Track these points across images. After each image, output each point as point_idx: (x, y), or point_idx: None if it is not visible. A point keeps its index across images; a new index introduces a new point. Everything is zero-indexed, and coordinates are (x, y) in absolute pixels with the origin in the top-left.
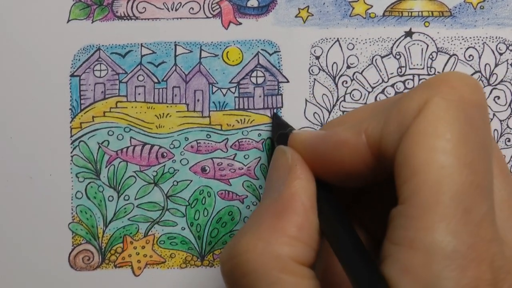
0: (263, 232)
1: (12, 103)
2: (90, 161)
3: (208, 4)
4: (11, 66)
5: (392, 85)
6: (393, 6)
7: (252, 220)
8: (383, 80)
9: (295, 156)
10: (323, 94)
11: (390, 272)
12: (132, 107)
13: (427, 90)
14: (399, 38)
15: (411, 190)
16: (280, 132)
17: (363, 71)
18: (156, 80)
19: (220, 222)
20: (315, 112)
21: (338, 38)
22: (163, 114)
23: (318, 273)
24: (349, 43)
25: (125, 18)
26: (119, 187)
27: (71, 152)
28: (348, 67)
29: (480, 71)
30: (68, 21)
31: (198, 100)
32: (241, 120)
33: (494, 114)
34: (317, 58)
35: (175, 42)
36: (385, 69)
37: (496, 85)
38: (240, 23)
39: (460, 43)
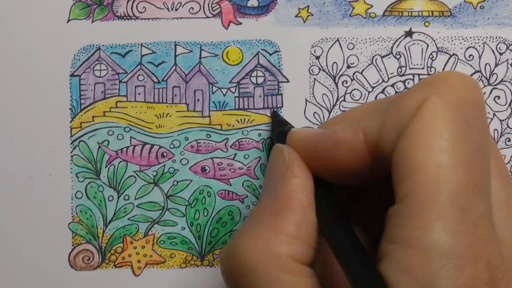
0: (261, 231)
1: (12, 103)
2: (90, 161)
3: (208, 4)
4: (11, 66)
5: (392, 85)
6: (393, 6)
7: (251, 219)
8: (383, 80)
9: (292, 154)
10: (323, 94)
11: (387, 271)
12: (132, 107)
13: (425, 89)
14: (399, 38)
15: (408, 189)
16: (279, 129)
17: (363, 71)
18: (156, 80)
19: (220, 222)
20: (315, 112)
21: (338, 38)
22: (163, 114)
23: (317, 271)
24: (349, 43)
25: (125, 18)
26: (119, 187)
27: (71, 152)
28: (348, 67)
29: (480, 71)
30: (68, 21)
31: (198, 100)
32: (241, 120)
33: (494, 114)
34: (317, 58)
35: (175, 42)
36: (385, 69)
37: (496, 85)
38: (240, 23)
39: (460, 43)
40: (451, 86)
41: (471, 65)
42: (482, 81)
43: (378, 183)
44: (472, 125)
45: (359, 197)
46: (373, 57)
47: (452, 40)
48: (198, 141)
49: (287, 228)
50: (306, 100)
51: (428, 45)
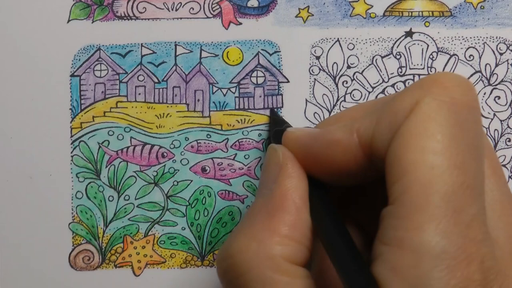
0: (255, 232)
1: (12, 103)
2: (90, 161)
3: (208, 4)
4: (11, 66)
5: (392, 85)
6: (394, 6)
7: (245, 220)
8: (383, 80)
9: (286, 154)
10: (323, 94)
11: (380, 272)
12: (132, 107)
13: (418, 90)
14: (400, 38)
15: (401, 190)
16: (275, 128)
17: (363, 71)
18: (156, 80)
19: (220, 222)
20: (315, 112)
21: (338, 38)
22: (163, 114)
23: (315, 272)
24: (350, 43)
25: (125, 18)
26: (119, 187)
27: (71, 152)
28: (349, 67)
29: (480, 71)
30: (68, 21)
31: (198, 100)
32: (241, 120)
33: (494, 114)
34: (317, 58)
35: (175, 42)
36: (386, 69)
37: (496, 85)
38: (240, 23)
39: (461, 43)
40: (445, 87)
41: (471, 65)
42: (483, 81)
43: (376, 183)
44: (466, 127)
45: (357, 197)
46: (373, 57)
47: (453, 40)
48: (198, 141)
49: (280, 229)
50: (306, 100)
51: (428, 45)
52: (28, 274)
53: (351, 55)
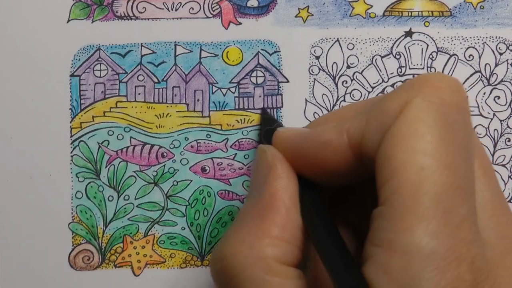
0: (246, 234)
1: (12, 103)
2: (90, 161)
3: (208, 4)
4: (11, 66)
5: (392, 85)
6: (393, 6)
7: (237, 222)
8: (383, 80)
9: (276, 154)
10: (323, 94)
11: (370, 273)
12: (132, 107)
13: (408, 91)
14: (399, 38)
15: (390, 191)
16: (266, 128)
17: (363, 71)
18: (156, 80)
19: (220, 222)
20: (315, 112)
21: (338, 38)
22: (163, 114)
23: (309, 275)
24: (349, 43)
25: (125, 18)
26: (119, 187)
27: (71, 152)
28: (348, 67)
29: (480, 71)
30: (68, 21)
31: (198, 100)
32: (241, 120)
33: (494, 114)
34: (317, 58)
35: (175, 42)
36: (385, 69)
37: (496, 85)
38: (240, 23)
39: (460, 43)
40: (435, 88)
41: (471, 65)
42: (482, 81)
43: (367, 183)
44: (455, 127)
45: (349, 196)
46: (373, 57)
47: (452, 40)
48: (198, 141)
49: (271, 231)
50: (306, 100)
51: (428, 45)
52: (28, 274)
53: (350, 55)
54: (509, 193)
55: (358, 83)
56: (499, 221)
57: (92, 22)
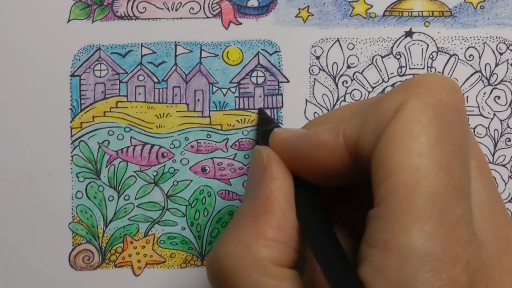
0: (242, 235)
1: (12, 103)
2: (90, 161)
3: (208, 4)
4: (11, 66)
5: (392, 85)
6: (393, 6)
7: (233, 223)
8: (383, 80)
9: (271, 155)
10: (323, 94)
11: (366, 274)
12: (132, 107)
13: (404, 92)
14: (399, 38)
15: (386, 192)
16: (263, 128)
17: (363, 71)
18: (156, 80)
19: (220, 222)
20: (315, 112)
21: (338, 38)
22: (163, 114)
23: (306, 278)
24: (349, 43)
25: (125, 18)
26: (119, 187)
27: (71, 152)
28: (348, 67)
29: (480, 71)
30: (68, 21)
31: (198, 100)
32: (241, 120)
33: (494, 114)
34: (317, 58)
35: (175, 42)
36: (385, 69)
37: (496, 85)
38: (240, 23)
39: (461, 43)
40: (430, 88)
41: (471, 65)
42: (482, 81)
43: (364, 183)
44: (451, 128)
45: (346, 197)
46: (373, 57)
47: (452, 40)
48: (198, 141)
49: (266, 232)
50: (306, 100)
51: (428, 45)
52: (28, 274)
53: (351, 55)
54: (509, 193)
55: (358, 83)
56: (495, 221)
57: (92, 22)
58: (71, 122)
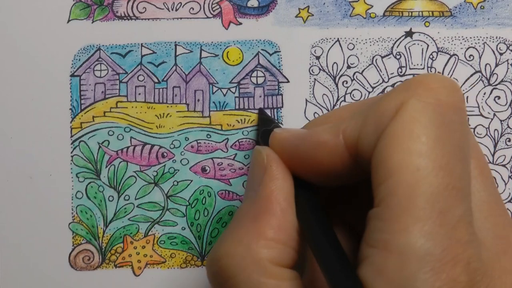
0: (242, 235)
1: (12, 103)
2: (90, 161)
3: (208, 4)
4: (11, 66)
5: (393, 85)
6: (394, 6)
7: (233, 223)
8: (383, 80)
9: (271, 155)
10: (323, 94)
11: (366, 274)
12: (132, 107)
13: (404, 92)
14: (400, 38)
15: (386, 192)
16: (264, 128)
17: (363, 71)
18: (156, 80)
19: (220, 222)
20: (315, 112)
21: (338, 38)
22: (163, 114)
23: (306, 279)
24: (349, 43)
25: (125, 18)
26: (119, 187)
27: (71, 152)
28: (349, 67)
29: (480, 71)
30: (68, 21)
31: (198, 100)
32: (241, 120)
33: (494, 114)
34: (317, 58)
35: (175, 42)
36: (386, 69)
37: (496, 85)
38: (240, 23)
39: (461, 43)
40: (430, 88)
41: (471, 65)
42: (482, 81)
43: (364, 183)
44: (451, 128)
45: (346, 197)
46: (373, 57)
47: (452, 40)
48: (198, 141)
49: (266, 232)
50: (306, 100)
51: (428, 45)
52: (28, 274)
53: (351, 55)
54: (509, 193)
55: (358, 83)
56: (495, 221)
57: (92, 22)
58: (71, 122)
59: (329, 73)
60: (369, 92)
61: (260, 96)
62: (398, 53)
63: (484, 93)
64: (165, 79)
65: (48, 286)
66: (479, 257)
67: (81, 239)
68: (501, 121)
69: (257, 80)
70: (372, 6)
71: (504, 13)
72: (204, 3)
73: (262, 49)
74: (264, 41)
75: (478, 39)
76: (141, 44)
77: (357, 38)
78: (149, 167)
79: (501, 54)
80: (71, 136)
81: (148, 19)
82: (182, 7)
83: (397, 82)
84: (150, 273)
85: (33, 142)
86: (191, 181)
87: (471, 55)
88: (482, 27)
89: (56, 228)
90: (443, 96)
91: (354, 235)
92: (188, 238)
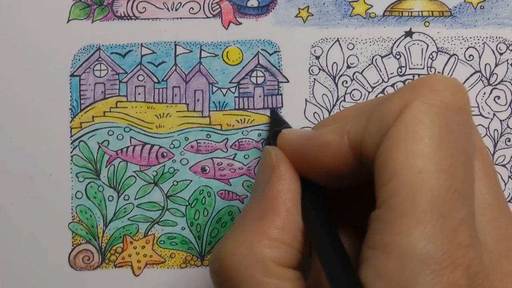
0: (245, 235)
1: (12, 103)
2: (90, 161)
3: (208, 4)
4: (11, 66)
5: (392, 85)
6: (393, 6)
7: (237, 222)
8: (383, 80)
9: (279, 156)
10: (323, 94)
11: (366, 277)
12: (132, 107)
13: (408, 93)
14: (399, 38)
15: (388, 193)
16: (274, 129)
17: (363, 71)
18: (156, 80)
19: (220, 222)
20: (315, 112)
21: (338, 38)
22: (163, 114)
23: (313, 275)
24: (349, 43)
25: (125, 18)
26: (119, 187)
27: (71, 152)
28: (348, 67)
29: (480, 71)
30: (68, 21)
31: (198, 100)
32: (241, 120)
33: (494, 114)
34: (317, 58)
35: (175, 42)
36: (385, 69)
37: (496, 85)
38: (240, 23)
39: (460, 43)
40: (434, 90)
41: (471, 65)
42: (482, 81)
43: (370, 185)
44: (455, 130)
45: (353, 198)
46: (373, 57)
47: (452, 40)
48: (198, 141)
49: (270, 232)
50: (306, 100)
51: (428, 45)
52: (28, 274)
53: (351, 55)
54: (509, 193)
55: (358, 83)
56: (498, 224)
57: (92, 22)
58: (71, 122)
59: (329, 73)
60: (369, 92)
61: (260, 96)
62: (398, 53)
63: (484, 93)
64: (165, 79)
65: (48, 286)
66: (480, 261)
67: (80, 239)
68: (501, 121)
69: (257, 80)
70: (372, 6)
71: (504, 13)
72: (204, 3)
73: (262, 49)
74: (264, 41)
75: (478, 39)
76: (141, 44)
77: (357, 38)
78: (148, 167)
79: (501, 54)
80: (71, 136)
81: (148, 19)
82: (182, 7)
83: (397, 82)
84: (150, 273)
85: (33, 142)
86: (191, 181)
87: (471, 55)
88: (482, 27)
89: (56, 228)
90: (447, 97)
91: (360, 237)
92: (187, 238)
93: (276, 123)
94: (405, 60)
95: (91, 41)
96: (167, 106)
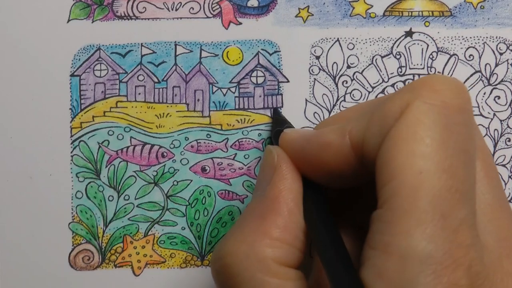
0: (247, 234)
1: (12, 103)
2: (90, 161)
3: (208, 4)
4: (11, 66)
5: (392, 85)
6: (393, 6)
7: (239, 222)
8: (383, 80)
9: (281, 156)
10: (323, 94)
11: (367, 277)
12: (132, 107)
13: (409, 93)
14: (399, 38)
15: (389, 194)
16: (277, 129)
17: (363, 71)
18: (156, 80)
19: (220, 222)
20: (315, 112)
21: (338, 38)
22: (163, 114)
23: (314, 274)
24: (349, 43)
25: (125, 18)
26: (119, 187)
27: (71, 152)
28: (348, 67)
29: (480, 71)
30: (68, 21)
31: (198, 100)
32: (241, 120)
33: (494, 114)
34: (317, 58)
35: (175, 42)
36: (385, 69)
37: (496, 85)
38: (240, 23)
39: (461, 43)
40: (435, 90)
41: (471, 65)
42: (482, 81)
43: (372, 185)
44: (456, 130)
45: (356, 198)
46: (373, 57)
47: (452, 40)
48: (198, 141)
49: (272, 232)
50: (306, 100)
51: (428, 45)
52: (28, 274)
53: (351, 55)
54: (509, 193)
55: (358, 83)
56: (499, 224)
57: (92, 22)
58: (71, 122)
59: (329, 73)
60: (369, 92)
61: (260, 96)
62: (398, 53)
63: (484, 93)
64: (165, 79)
65: (48, 286)
66: (481, 261)
67: (81, 239)
68: (501, 121)
69: (257, 80)
70: (372, 6)
71: (504, 13)
72: (204, 3)
73: (262, 49)
74: (264, 41)
75: (478, 39)
76: (141, 44)
77: (357, 38)
78: (149, 167)
79: (501, 54)
80: (71, 136)
81: (148, 19)
82: (182, 7)
83: (397, 82)
84: (150, 273)
85: (33, 142)
86: (191, 181)
87: (471, 55)
88: (482, 27)
89: (56, 228)
90: (448, 97)
91: (362, 237)
92: (188, 238)
93: (278, 123)
94: (405, 60)
95: (91, 41)
96: (167, 106)
